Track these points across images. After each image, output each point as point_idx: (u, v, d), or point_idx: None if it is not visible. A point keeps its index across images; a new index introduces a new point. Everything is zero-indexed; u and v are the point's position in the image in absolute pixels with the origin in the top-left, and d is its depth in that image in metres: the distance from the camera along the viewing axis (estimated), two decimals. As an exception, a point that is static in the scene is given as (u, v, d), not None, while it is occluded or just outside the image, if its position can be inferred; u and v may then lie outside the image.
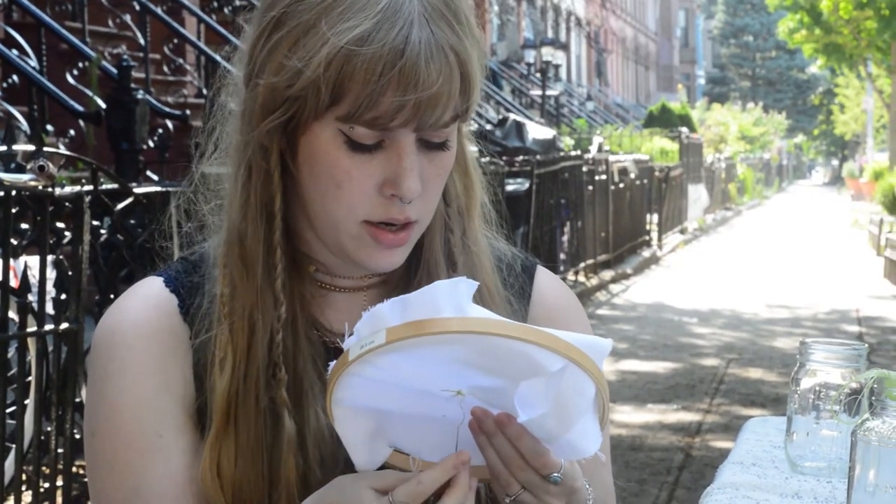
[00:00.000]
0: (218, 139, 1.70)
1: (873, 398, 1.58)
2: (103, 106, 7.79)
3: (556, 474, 1.46)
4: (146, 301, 1.68)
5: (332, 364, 1.43)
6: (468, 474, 1.44)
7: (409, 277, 1.70)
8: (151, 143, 8.53)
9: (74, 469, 5.07)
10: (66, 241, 4.94)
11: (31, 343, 4.82)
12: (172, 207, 1.80)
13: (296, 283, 1.66)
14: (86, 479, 5.05)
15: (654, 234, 20.87)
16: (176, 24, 11.67)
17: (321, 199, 1.58)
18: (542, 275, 1.84)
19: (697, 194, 27.87)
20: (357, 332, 1.40)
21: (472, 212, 1.73)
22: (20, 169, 5.47)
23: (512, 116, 16.32)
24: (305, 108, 1.54)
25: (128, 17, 11.58)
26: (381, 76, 1.48)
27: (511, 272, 1.80)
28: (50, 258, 4.74)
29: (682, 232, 24.69)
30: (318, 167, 1.57)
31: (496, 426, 1.44)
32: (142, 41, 11.06)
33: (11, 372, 4.88)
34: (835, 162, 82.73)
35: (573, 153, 15.38)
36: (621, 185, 17.52)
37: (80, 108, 8.04)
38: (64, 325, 4.76)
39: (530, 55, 30.88)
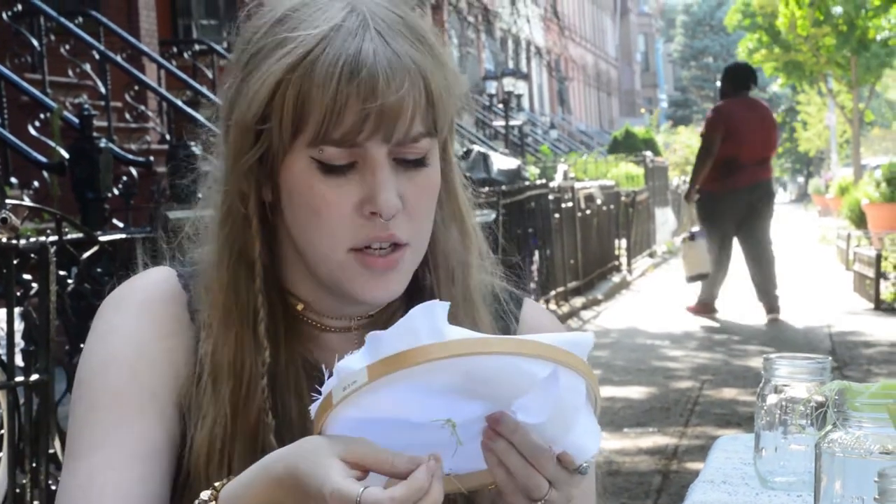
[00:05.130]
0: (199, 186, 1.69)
1: (836, 410, 1.59)
2: (66, 156, 7.77)
3: (584, 464, 1.42)
4: (161, 282, 1.66)
5: (316, 405, 1.39)
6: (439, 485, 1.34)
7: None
8: (116, 191, 8.51)
9: (51, 521, 5.04)
10: (32, 292, 4.92)
11: (2, 396, 4.80)
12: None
13: (287, 325, 1.63)
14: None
15: (624, 260, 20.87)
16: (136, 72, 11.68)
17: (305, 233, 1.57)
18: (529, 306, 1.83)
19: (665, 217, 27.93)
20: (337, 373, 1.36)
21: (471, 261, 1.72)
22: (-16, 222, 5.46)
23: (476, 148, 16.35)
24: (273, 140, 1.53)
25: (87, 67, 11.57)
26: (339, 88, 1.48)
27: (498, 304, 1.78)
28: (17, 310, 4.72)
29: (651, 256, 24.71)
30: (296, 199, 1.56)
31: (514, 425, 1.40)
32: (102, 90, 11.07)
33: (-16, 426, 4.87)
34: (800, 179, 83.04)
35: (539, 182, 15.40)
36: (588, 212, 17.53)
37: (43, 159, 8.02)
38: (34, 377, 4.74)
39: (492, 86, 30.97)
